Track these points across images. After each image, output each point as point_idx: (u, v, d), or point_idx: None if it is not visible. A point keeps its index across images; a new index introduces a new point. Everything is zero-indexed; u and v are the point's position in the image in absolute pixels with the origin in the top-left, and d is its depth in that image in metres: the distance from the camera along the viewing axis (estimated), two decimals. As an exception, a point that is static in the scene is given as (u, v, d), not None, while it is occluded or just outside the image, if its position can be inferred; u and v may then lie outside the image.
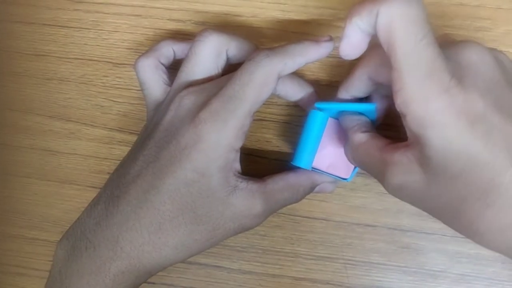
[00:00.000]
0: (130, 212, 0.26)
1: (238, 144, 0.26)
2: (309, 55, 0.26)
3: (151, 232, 0.26)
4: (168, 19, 0.33)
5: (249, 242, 0.32)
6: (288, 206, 0.32)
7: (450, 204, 0.22)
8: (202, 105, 0.25)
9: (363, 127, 0.27)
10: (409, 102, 0.21)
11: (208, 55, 0.27)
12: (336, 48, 0.25)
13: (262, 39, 0.32)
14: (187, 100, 0.26)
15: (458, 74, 0.21)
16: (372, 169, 0.25)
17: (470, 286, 0.31)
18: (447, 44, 0.23)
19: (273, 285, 0.32)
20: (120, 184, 0.27)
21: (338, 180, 0.29)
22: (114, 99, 0.34)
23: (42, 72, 0.34)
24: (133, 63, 0.30)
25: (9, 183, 0.35)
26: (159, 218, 0.25)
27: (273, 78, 0.25)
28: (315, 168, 0.29)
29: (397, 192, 0.24)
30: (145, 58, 0.29)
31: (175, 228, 0.26)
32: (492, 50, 0.23)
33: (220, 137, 0.25)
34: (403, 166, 0.23)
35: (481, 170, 0.20)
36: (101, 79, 0.34)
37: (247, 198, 0.26)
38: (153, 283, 0.33)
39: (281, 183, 0.28)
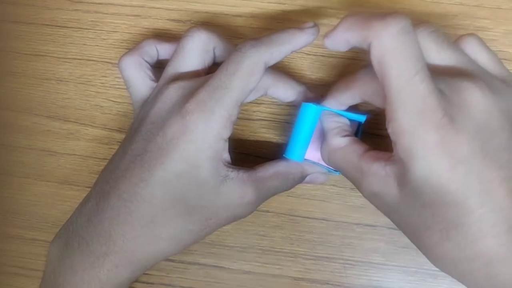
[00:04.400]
0: (121, 206, 0.26)
1: (227, 134, 0.26)
2: (295, 43, 0.26)
3: (144, 225, 0.25)
4: (167, 19, 0.33)
5: (249, 242, 0.32)
6: (288, 207, 0.32)
7: (415, 226, 0.23)
8: (189, 96, 0.25)
9: (343, 130, 0.27)
10: (399, 134, 0.21)
11: (196, 50, 0.28)
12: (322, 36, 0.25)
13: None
14: (174, 93, 0.26)
15: (451, 112, 0.21)
16: (349, 175, 0.26)
17: (470, 285, 0.31)
18: (450, 76, 0.22)
19: (272, 285, 0.32)
20: (109, 179, 0.27)
21: (330, 172, 0.29)
22: (114, 99, 0.34)
23: (41, 72, 0.34)
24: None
25: (7, 184, 0.34)
26: (150, 211, 0.25)
27: (259, 68, 0.25)
28: (306, 159, 0.29)
29: (372, 199, 0.25)
30: (128, 56, 0.29)
31: (167, 220, 0.26)
32: (495, 95, 0.22)
33: (208, 127, 0.25)
34: (380, 178, 0.23)
35: (450, 207, 0.21)
36: (100, 79, 0.34)
37: (238, 187, 0.26)
38: (152, 284, 0.33)
39: (271, 171, 0.28)
